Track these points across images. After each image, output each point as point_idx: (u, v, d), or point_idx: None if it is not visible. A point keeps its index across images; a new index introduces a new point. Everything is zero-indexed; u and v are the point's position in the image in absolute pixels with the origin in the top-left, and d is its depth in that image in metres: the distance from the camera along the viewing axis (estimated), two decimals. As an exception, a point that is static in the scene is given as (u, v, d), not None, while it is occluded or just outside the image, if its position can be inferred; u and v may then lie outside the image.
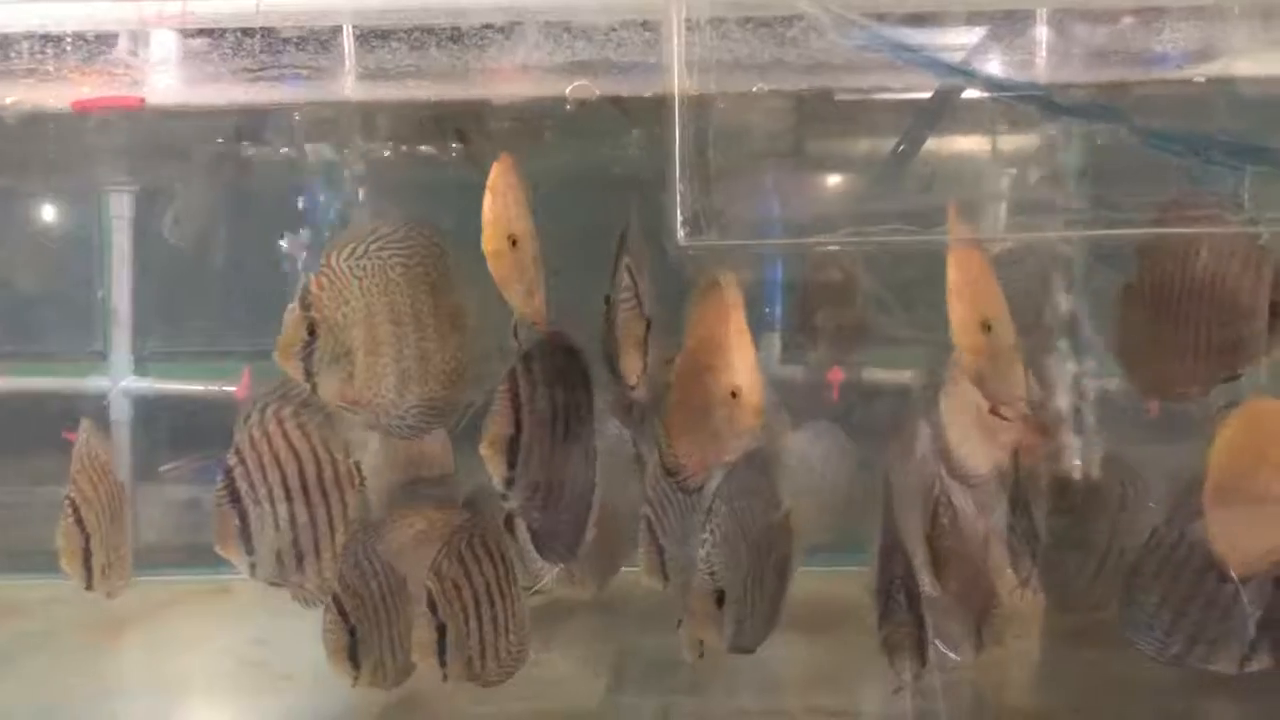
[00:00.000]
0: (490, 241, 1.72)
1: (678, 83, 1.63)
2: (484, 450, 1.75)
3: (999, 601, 2.01)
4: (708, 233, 1.64)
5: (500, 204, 1.73)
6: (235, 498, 1.91)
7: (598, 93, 1.83)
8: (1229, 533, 1.79)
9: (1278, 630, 1.82)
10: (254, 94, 1.83)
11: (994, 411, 1.74)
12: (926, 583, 2.13)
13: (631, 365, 1.83)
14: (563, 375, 1.82)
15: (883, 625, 1.92)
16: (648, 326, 1.84)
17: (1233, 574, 1.78)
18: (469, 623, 1.87)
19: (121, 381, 2.88)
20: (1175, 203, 1.80)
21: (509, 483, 1.76)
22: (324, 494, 1.97)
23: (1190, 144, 1.73)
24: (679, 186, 1.63)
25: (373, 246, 1.78)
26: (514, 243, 1.73)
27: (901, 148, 1.96)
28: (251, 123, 2.10)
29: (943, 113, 1.92)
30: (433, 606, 1.82)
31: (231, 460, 1.92)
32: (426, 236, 1.83)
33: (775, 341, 2.48)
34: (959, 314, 1.67)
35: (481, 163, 1.69)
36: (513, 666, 1.95)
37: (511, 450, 1.75)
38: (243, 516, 1.91)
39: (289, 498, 1.94)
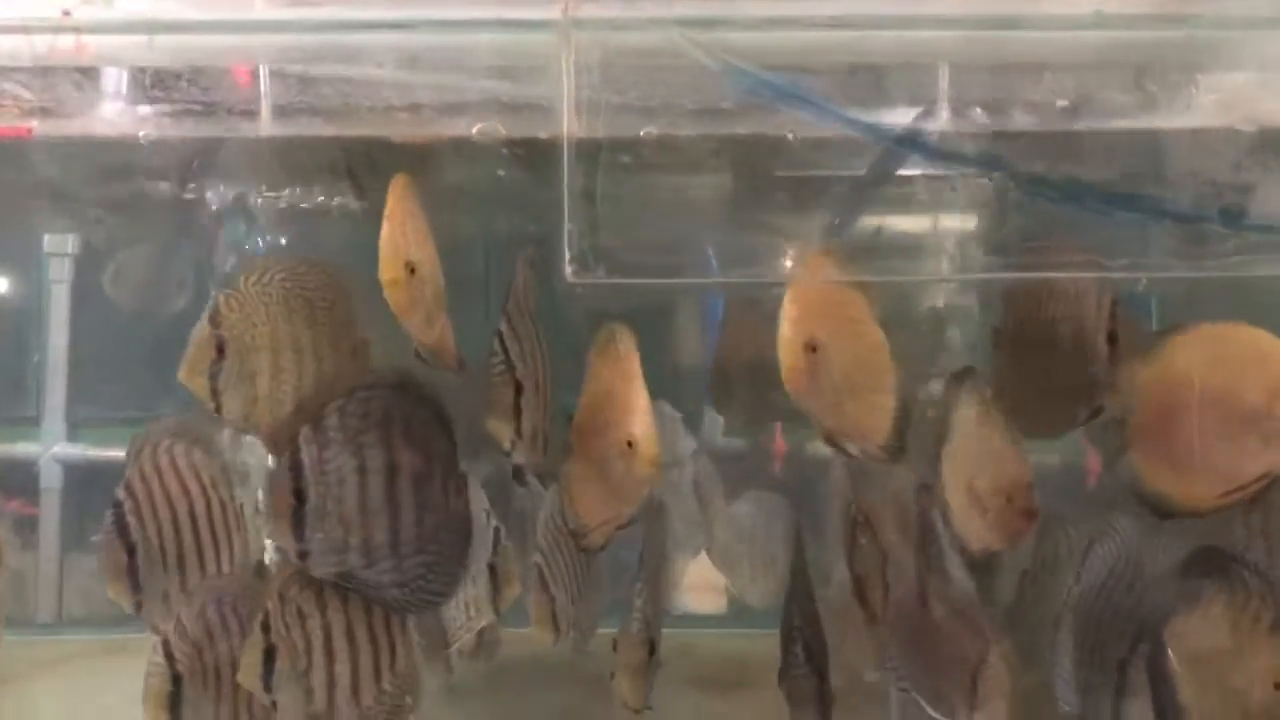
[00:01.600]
0: (386, 270, 1.71)
1: (567, 124, 1.66)
2: (271, 530, 1.73)
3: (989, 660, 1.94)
4: (595, 270, 1.67)
5: (396, 231, 1.72)
6: (124, 534, 1.87)
7: (503, 132, 1.86)
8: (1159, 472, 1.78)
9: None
10: (153, 128, 1.83)
11: (829, 442, 1.75)
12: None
13: (499, 432, 1.81)
14: (386, 420, 1.74)
15: (782, 678, 1.92)
16: (518, 390, 1.82)
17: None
18: (312, 655, 1.76)
19: (53, 448, 2.86)
20: (1049, 247, 1.85)
21: (302, 555, 1.69)
22: (214, 535, 1.94)
23: (1066, 191, 1.80)
24: (567, 225, 1.65)
25: (278, 276, 1.78)
26: (411, 270, 1.72)
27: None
28: (155, 160, 2.10)
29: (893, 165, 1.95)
30: (265, 627, 1.72)
31: (121, 495, 1.89)
32: (329, 273, 1.83)
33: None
34: (783, 334, 1.68)
35: (373, 200, 1.71)
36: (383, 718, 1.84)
37: (297, 522, 1.68)
38: (130, 553, 1.87)
39: (178, 537, 1.91)
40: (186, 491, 1.92)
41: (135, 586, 1.88)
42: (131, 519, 1.88)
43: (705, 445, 2.57)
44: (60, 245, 2.99)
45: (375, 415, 1.71)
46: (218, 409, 1.72)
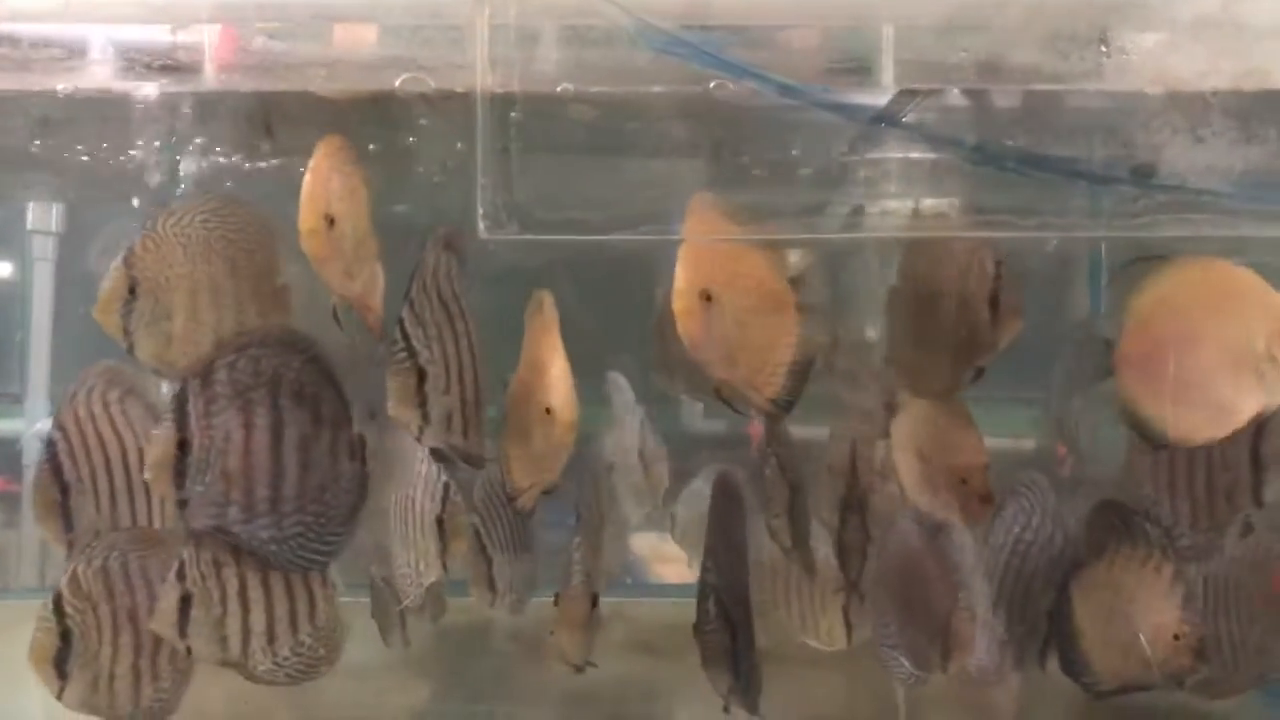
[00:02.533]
0: (305, 219, 1.74)
1: (480, 80, 1.68)
2: (147, 475, 1.72)
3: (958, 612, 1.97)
4: (508, 226, 1.68)
5: (319, 183, 1.75)
6: (57, 473, 1.92)
7: (433, 85, 1.87)
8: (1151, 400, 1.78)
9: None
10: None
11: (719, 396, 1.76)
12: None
13: (403, 419, 1.81)
14: (273, 378, 1.77)
15: (696, 633, 1.93)
16: (420, 376, 1.81)
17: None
18: (227, 603, 1.79)
19: (36, 425, 2.87)
20: (968, 207, 1.87)
21: (181, 503, 1.72)
22: (145, 484, 1.96)
23: (979, 152, 1.81)
24: (480, 180, 1.67)
25: (199, 217, 1.80)
26: (331, 222, 1.75)
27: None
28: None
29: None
30: (180, 575, 1.76)
31: (55, 435, 1.93)
32: (253, 215, 1.85)
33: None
34: (678, 282, 1.69)
35: (292, 156, 1.73)
36: (304, 669, 1.87)
37: (178, 472, 1.71)
38: (64, 492, 1.92)
39: (110, 480, 1.94)
40: (119, 435, 1.96)
41: (67, 525, 1.92)
42: (65, 459, 1.92)
43: (684, 428, 2.62)
44: (44, 222, 3.01)
45: (265, 373, 1.75)
46: (130, 349, 1.74)
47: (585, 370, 2.00)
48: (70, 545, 1.93)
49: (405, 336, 1.80)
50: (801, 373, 1.77)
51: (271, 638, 1.82)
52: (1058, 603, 1.89)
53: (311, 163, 1.75)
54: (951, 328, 1.86)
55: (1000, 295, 1.84)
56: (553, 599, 2.16)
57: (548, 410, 1.92)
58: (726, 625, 1.88)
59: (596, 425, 2.37)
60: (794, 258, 1.81)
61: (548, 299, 1.97)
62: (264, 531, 1.76)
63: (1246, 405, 1.73)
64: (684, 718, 2.21)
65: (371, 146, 1.92)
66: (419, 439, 1.84)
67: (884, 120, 1.72)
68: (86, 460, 1.94)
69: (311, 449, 1.78)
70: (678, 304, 1.69)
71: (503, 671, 2.38)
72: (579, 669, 2.15)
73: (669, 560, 2.71)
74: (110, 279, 1.74)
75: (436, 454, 1.93)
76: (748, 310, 1.72)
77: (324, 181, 1.74)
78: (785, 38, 1.83)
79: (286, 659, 1.84)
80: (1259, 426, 1.81)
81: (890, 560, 2.10)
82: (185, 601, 1.76)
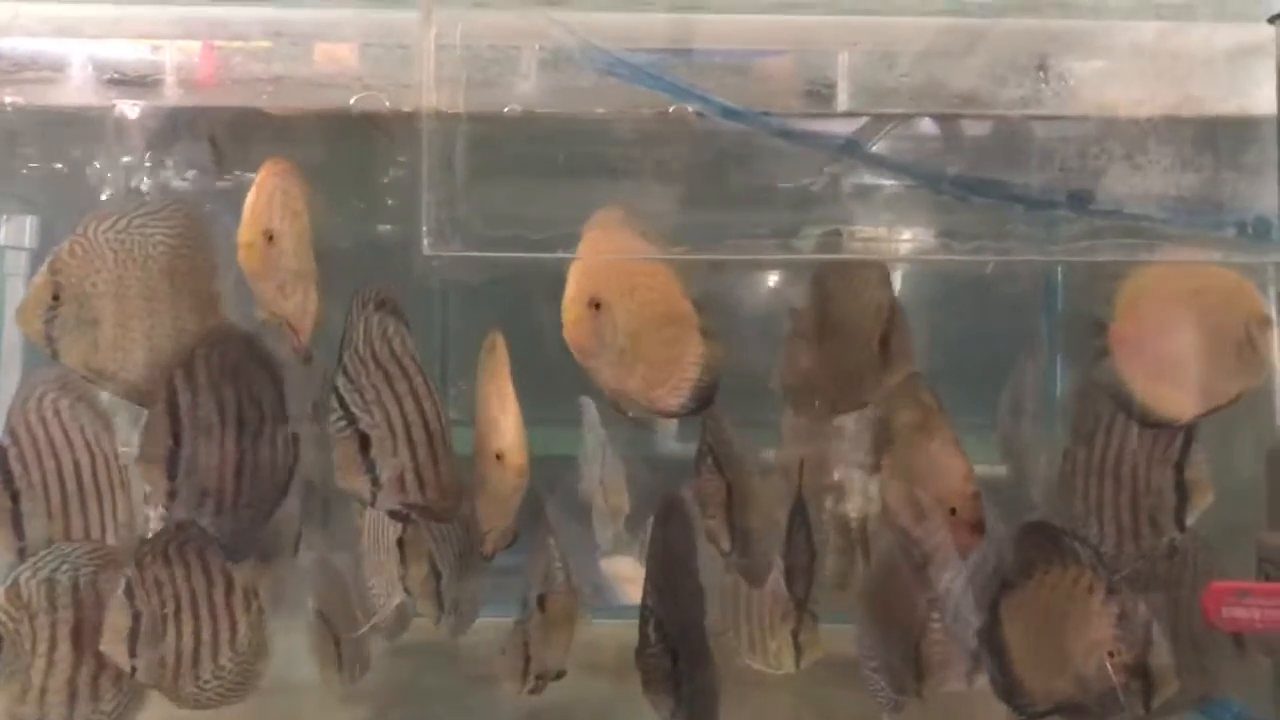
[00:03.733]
0: (245, 233, 1.74)
1: (425, 98, 1.70)
2: (139, 468, 1.74)
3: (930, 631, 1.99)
4: (451, 243, 1.70)
5: (262, 199, 1.76)
6: (8, 480, 1.87)
7: (387, 103, 1.89)
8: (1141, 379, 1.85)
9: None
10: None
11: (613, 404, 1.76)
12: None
13: (351, 488, 1.80)
14: (235, 374, 1.79)
15: (638, 657, 1.89)
16: (364, 442, 1.79)
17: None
18: (168, 624, 1.79)
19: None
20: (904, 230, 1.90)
21: (172, 495, 1.74)
22: (96, 490, 1.94)
23: (923, 176, 1.84)
24: (425, 197, 1.69)
25: (135, 221, 1.78)
26: (270, 238, 1.75)
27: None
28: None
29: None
30: (129, 593, 1.76)
31: (5, 442, 1.89)
32: (191, 219, 1.83)
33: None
34: (568, 290, 1.70)
35: (234, 171, 1.75)
36: (223, 693, 1.87)
37: (172, 463, 1.74)
38: (14, 498, 1.88)
39: (62, 487, 1.91)
40: (70, 442, 1.92)
41: (19, 533, 1.89)
42: (15, 466, 1.88)
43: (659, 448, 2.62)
44: (17, 238, 3.01)
45: (228, 368, 1.76)
46: (54, 355, 1.73)
47: (548, 392, 2.01)
48: (21, 553, 1.88)
49: (342, 404, 1.79)
50: (706, 392, 1.77)
51: (196, 660, 1.82)
52: (988, 624, 1.90)
53: (257, 179, 1.75)
54: (842, 359, 1.88)
55: (892, 336, 1.87)
56: (536, 601, 2.12)
57: (498, 455, 1.92)
58: (667, 650, 1.86)
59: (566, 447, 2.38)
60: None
61: (499, 340, 1.98)
62: (227, 525, 1.78)
63: (1229, 386, 1.81)
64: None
65: (318, 165, 1.93)
66: (371, 505, 1.84)
67: (825, 145, 1.74)
68: (38, 466, 1.91)
69: (260, 444, 1.80)
70: (566, 313, 1.70)
71: (455, 690, 2.37)
72: (558, 677, 2.14)
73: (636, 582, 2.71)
74: (33, 285, 1.72)
75: (395, 515, 1.91)
76: (645, 322, 1.73)
77: (267, 198, 1.75)
78: (762, 65, 1.86)
79: (207, 683, 1.85)
80: (1182, 449, 1.85)
81: (872, 583, 2.11)
82: (135, 621, 1.76)
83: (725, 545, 1.99)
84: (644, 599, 1.91)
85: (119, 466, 1.98)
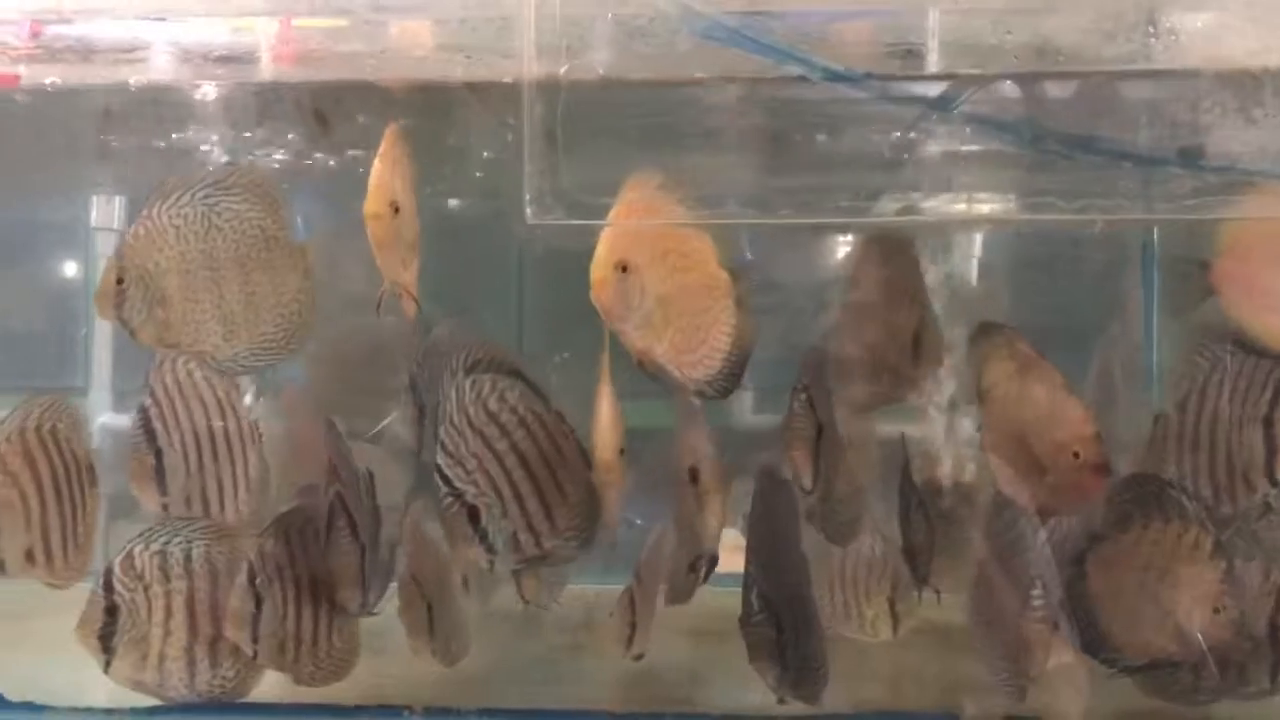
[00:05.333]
0: (372, 203, 1.76)
1: (526, 67, 1.70)
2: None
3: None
4: (554, 212, 1.71)
5: (387, 170, 1.77)
6: (151, 438, 1.99)
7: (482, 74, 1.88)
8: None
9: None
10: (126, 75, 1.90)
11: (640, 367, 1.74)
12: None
13: (465, 558, 1.88)
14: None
15: (742, 625, 1.91)
16: (473, 514, 1.84)
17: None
18: (288, 608, 1.86)
19: (101, 417, 2.95)
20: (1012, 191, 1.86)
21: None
22: (229, 448, 2.05)
23: (1022, 133, 1.80)
24: (527, 166, 1.70)
25: (199, 194, 1.82)
26: (395, 209, 1.77)
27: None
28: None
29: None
30: (251, 578, 1.83)
31: (147, 403, 2.00)
32: (256, 181, 1.87)
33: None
34: (597, 252, 1.69)
35: (342, 146, 1.77)
36: (335, 668, 1.95)
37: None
38: (158, 457, 1.99)
39: (198, 445, 2.02)
40: (204, 402, 2.04)
41: (162, 489, 2.00)
42: (157, 425, 2.00)
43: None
44: (107, 218, 3.09)
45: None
46: (132, 335, 1.78)
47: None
48: (165, 508, 2.00)
49: (446, 480, 1.83)
50: (738, 364, 1.75)
51: (315, 641, 1.90)
52: (1073, 577, 1.85)
53: (380, 149, 1.77)
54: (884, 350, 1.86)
55: (922, 337, 1.83)
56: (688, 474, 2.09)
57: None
58: (771, 617, 1.86)
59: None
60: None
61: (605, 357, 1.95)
62: None
63: None
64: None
65: (420, 135, 1.94)
66: (490, 570, 1.90)
67: (936, 107, 1.71)
68: (176, 425, 2.02)
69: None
70: (593, 274, 1.69)
71: (548, 657, 2.40)
72: (695, 576, 2.12)
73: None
74: (104, 273, 1.78)
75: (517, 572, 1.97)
76: (676, 288, 1.72)
77: (391, 168, 1.77)
78: (838, 29, 1.83)
79: (323, 661, 1.94)
80: (1271, 402, 1.81)
81: (980, 573, 2.03)
82: (257, 606, 1.83)
83: (807, 482, 1.96)
84: (746, 568, 1.91)
85: (250, 424, 2.08)
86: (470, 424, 1.85)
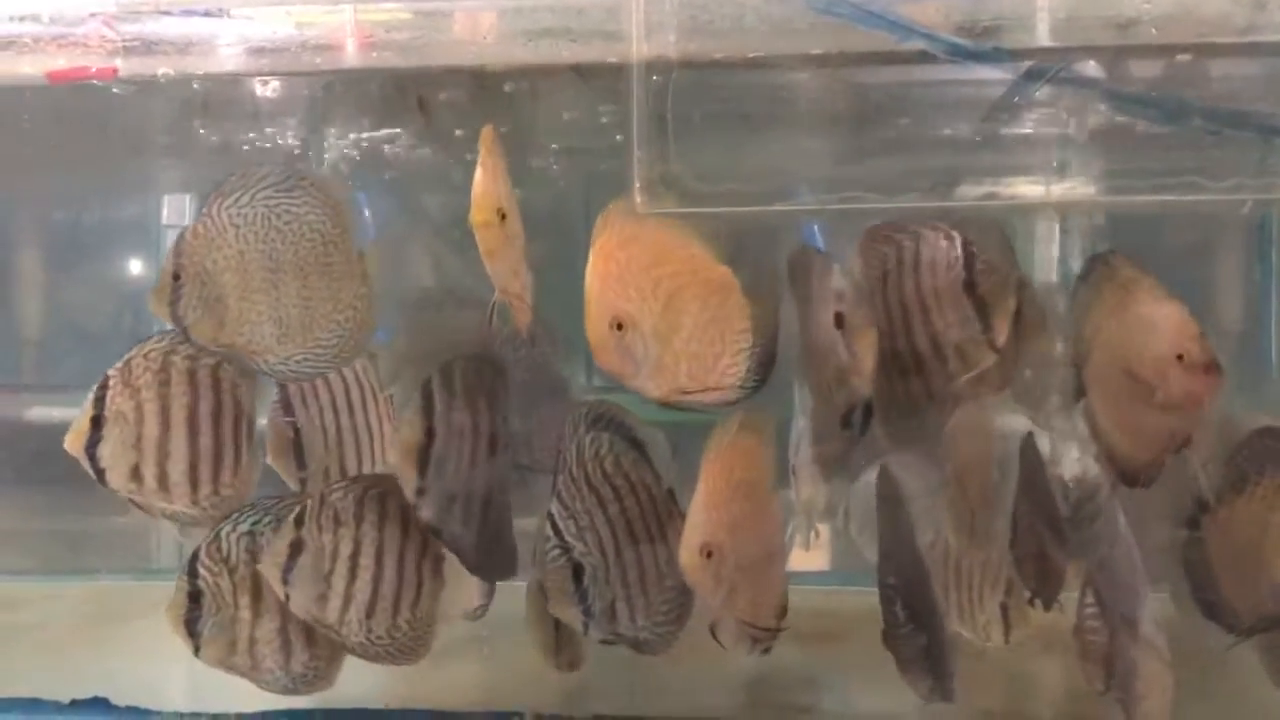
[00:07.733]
0: (479, 212, 1.67)
1: (635, 49, 1.63)
2: (393, 458, 1.73)
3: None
4: (665, 199, 1.64)
5: (489, 176, 1.69)
6: (289, 412, 2.00)
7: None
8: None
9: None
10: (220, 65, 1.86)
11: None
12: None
13: (562, 615, 1.78)
14: (485, 390, 1.79)
15: (887, 639, 1.82)
16: (577, 571, 1.75)
17: None
18: (336, 563, 1.78)
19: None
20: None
21: (420, 492, 1.73)
22: (367, 424, 2.05)
23: (1166, 110, 1.70)
24: (637, 152, 1.63)
25: (259, 195, 1.77)
26: (502, 217, 1.69)
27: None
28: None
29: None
30: (298, 521, 1.76)
31: None
32: (319, 185, 1.82)
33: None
34: (587, 310, 1.57)
35: (443, 132, 1.71)
36: (393, 651, 1.86)
37: (423, 459, 1.73)
38: (296, 431, 2.00)
39: (337, 420, 2.03)
40: (343, 377, 2.04)
41: (300, 463, 2.01)
42: (295, 400, 2.01)
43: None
44: (178, 216, 3.08)
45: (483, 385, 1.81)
46: (186, 333, 1.74)
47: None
48: (303, 483, 2.00)
49: (556, 531, 1.76)
50: (765, 354, 1.62)
51: (370, 612, 1.81)
52: (1187, 541, 1.73)
53: (481, 155, 1.69)
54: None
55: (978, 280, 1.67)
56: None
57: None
58: (918, 627, 1.78)
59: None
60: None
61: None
62: (474, 538, 1.80)
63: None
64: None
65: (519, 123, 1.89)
66: (585, 634, 1.81)
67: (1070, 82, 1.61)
68: (315, 400, 2.02)
69: (505, 464, 1.86)
70: (590, 338, 1.57)
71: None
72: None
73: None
74: (161, 270, 1.74)
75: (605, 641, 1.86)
76: (677, 317, 1.58)
77: (493, 175, 1.71)
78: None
79: (379, 638, 1.84)
80: None
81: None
82: (295, 548, 1.76)
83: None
84: (882, 578, 1.83)
85: (385, 397, 2.06)
86: (588, 479, 1.80)
